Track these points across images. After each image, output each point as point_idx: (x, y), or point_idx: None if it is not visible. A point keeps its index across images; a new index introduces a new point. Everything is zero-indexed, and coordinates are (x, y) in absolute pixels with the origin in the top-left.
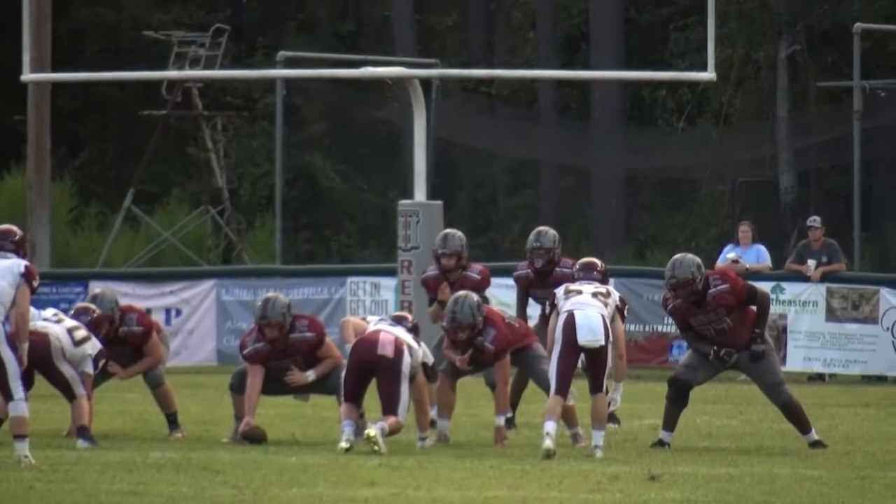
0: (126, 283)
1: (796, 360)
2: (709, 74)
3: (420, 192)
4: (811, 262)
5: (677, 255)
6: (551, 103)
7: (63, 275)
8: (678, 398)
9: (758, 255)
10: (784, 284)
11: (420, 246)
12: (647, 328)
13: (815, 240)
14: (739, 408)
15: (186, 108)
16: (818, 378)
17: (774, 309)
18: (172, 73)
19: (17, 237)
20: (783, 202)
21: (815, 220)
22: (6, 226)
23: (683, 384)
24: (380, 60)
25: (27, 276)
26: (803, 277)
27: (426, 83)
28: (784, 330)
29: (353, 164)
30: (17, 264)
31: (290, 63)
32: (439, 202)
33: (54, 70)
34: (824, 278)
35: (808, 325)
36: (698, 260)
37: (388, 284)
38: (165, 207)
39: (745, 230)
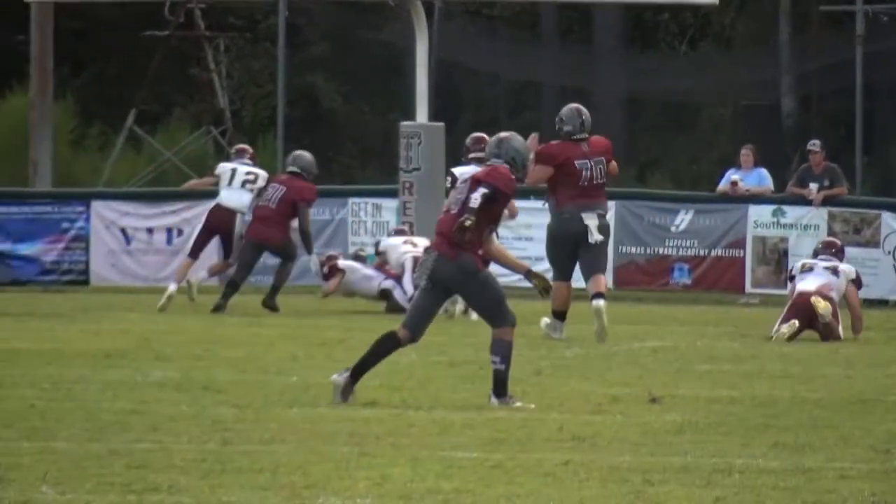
0: (128, 203)
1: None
2: None
3: (422, 114)
4: (813, 186)
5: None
6: (553, 25)
7: (65, 194)
8: None
9: (759, 179)
10: (785, 208)
11: (421, 167)
12: (648, 250)
13: (817, 164)
14: (740, 330)
15: (189, 28)
16: None
17: (776, 232)
18: None
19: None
20: (785, 126)
21: (815, 144)
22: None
23: None
24: None
25: None
26: (805, 201)
27: (428, 5)
28: (785, 253)
29: (355, 85)
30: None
31: None
32: (441, 124)
33: None
34: (826, 202)
35: (809, 248)
36: None
37: (389, 205)
38: (167, 128)
39: (746, 154)
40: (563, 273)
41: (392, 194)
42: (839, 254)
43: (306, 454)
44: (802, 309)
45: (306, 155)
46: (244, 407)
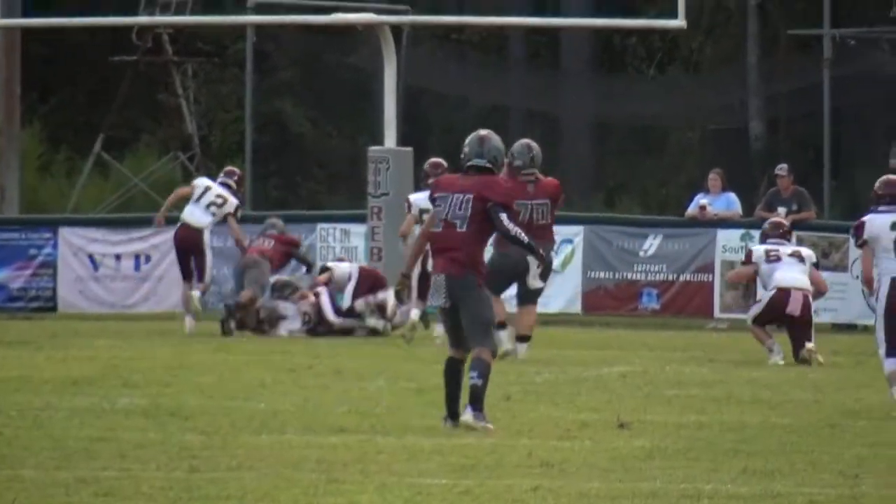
0: (96, 229)
1: None
2: (679, 22)
3: (390, 139)
4: (781, 210)
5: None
6: (521, 50)
7: (32, 220)
8: None
9: (728, 203)
10: (754, 232)
11: (390, 192)
12: (616, 276)
13: (784, 188)
14: (709, 355)
15: (157, 53)
16: None
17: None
18: (143, 19)
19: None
20: (753, 150)
21: (782, 169)
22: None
23: None
24: (350, 6)
25: None
26: None
27: (397, 29)
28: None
29: (324, 110)
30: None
31: (261, 9)
32: (409, 149)
33: (24, 15)
34: (794, 226)
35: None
36: None
37: (357, 231)
38: (135, 153)
39: (714, 178)
40: (496, 292)
41: (360, 219)
42: (787, 235)
43: (274, 481)
44: (779, 305)
45: (279, 221)
46: (212, 433)
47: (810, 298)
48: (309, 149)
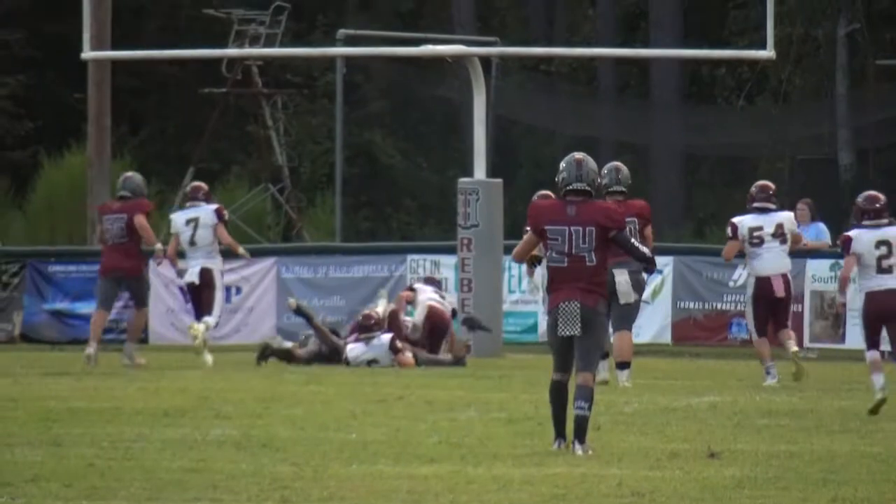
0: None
1: (856, 338)
2: (768, 52)
3: (480, 170)
4: None
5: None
6: (610, 81)
7: None
8: None
9: (817, 233)
10: (843, 262)
11: (480, 224)
12: (706, 306)
13: None
14: (798, 385)
15: (246, 85)
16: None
17: (834, 287)
18: (232, 52)
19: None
20: (842, 180)
21: None
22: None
23: None
24: (439, 38)
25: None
26: None
27: (486, 61)
28: (844, 307)
29: (413, 141)
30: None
31: (350, 41)
32: (499, 180)
33: (114, 48)
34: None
35: None
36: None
37: (447, 262)
38: (225, 185)
39: (802, 208)
40: None
41: (450, 251)
42: (774, 196)
43: None
44: (765, 293)
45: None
46: (303, 464)
47: (790, 276)
48: (399, 180)
